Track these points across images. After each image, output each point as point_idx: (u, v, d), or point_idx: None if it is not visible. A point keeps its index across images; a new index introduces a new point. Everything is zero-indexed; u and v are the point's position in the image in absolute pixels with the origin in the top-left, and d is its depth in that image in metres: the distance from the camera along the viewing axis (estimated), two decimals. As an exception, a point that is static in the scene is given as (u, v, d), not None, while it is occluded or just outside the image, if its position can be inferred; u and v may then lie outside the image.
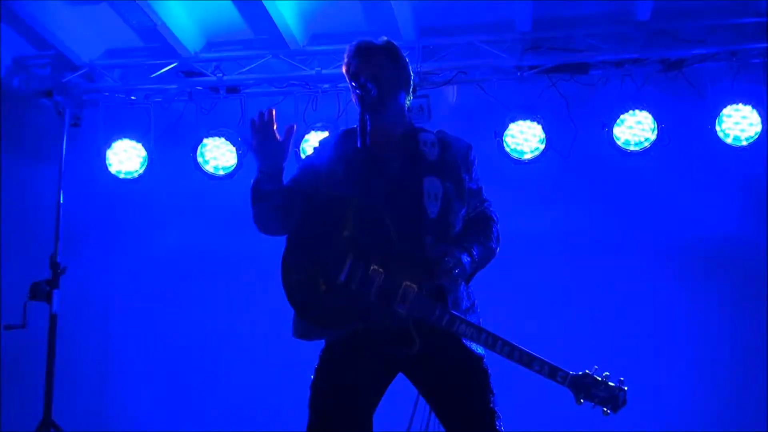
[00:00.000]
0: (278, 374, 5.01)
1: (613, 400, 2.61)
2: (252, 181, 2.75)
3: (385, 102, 2.77)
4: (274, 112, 2.71)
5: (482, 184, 2.90)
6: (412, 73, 2.91)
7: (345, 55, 2.87)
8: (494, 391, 2.70)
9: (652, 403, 4.64)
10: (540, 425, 4.46)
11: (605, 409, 2.61)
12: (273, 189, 2.72)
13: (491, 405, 2.67)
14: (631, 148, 4.92)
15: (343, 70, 2.88)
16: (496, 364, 2.73)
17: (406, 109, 2.89)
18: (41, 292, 4.69)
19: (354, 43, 2.86)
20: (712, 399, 4.83)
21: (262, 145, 2.71)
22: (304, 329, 2.70)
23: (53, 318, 4.77)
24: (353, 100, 2.81)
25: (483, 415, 2.65)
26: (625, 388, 2.62)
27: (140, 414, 5.27)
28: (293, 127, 2.75)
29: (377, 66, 2.79)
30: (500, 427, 2.66)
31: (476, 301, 2.80)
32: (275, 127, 2.71)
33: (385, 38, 2.89)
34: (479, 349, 2.70)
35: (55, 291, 4.75)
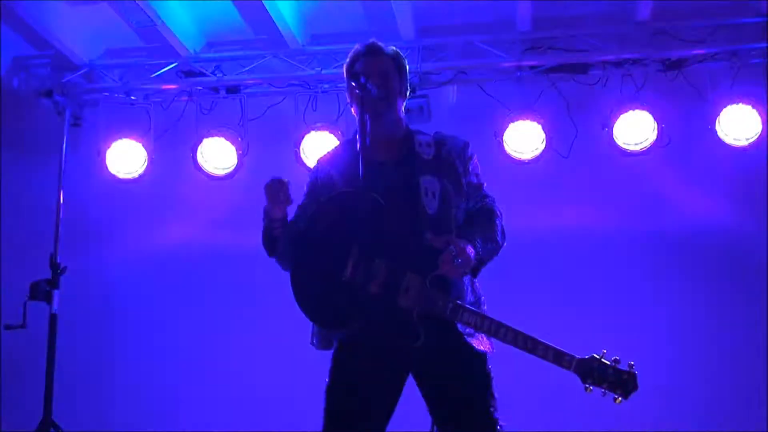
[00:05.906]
0: (280, 373, 5.00)
1: (623, 384, 2.47)
2: (261, 234, 2.77)
3: (385, 106, 2.79)
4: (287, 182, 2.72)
5: (483, 181, 2.89)
6: (408, 83, 2.95)
7: (351, 53, 2.89)
8: (496, 395, 2.66)
9: (652, 402, 4.63)
10: (541, 425, 4.45)
11: (616, 395, 2.48)
12: (281, 230, 2.73)
13: (491, 410, 2.63)
14: (631, 148, 4.92)
15: (345, 67, 2.90)
16: (499, 365, 2.73)
17: (403, 115, 2.93)
18: (41, 292, 4.69)
19: (365, 42, 2.89)
20: (712, 399, 4.83)
21: (273, 202, 2.71)
22: (323, 337, 2.73)
23: (53, 318, 4.76)
24: (348, 100, 2.85)
25: (481, 421, 2.62)
26: (635, 372, 2.48)
27: (140, 414, 5.26)
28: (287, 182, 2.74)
29: (383, 70, 2.82)
30: None
31: (483, 297, 2.78)
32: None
33: (394, 48, 2.92)
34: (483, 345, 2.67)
35: (55, 291, 4.75)
